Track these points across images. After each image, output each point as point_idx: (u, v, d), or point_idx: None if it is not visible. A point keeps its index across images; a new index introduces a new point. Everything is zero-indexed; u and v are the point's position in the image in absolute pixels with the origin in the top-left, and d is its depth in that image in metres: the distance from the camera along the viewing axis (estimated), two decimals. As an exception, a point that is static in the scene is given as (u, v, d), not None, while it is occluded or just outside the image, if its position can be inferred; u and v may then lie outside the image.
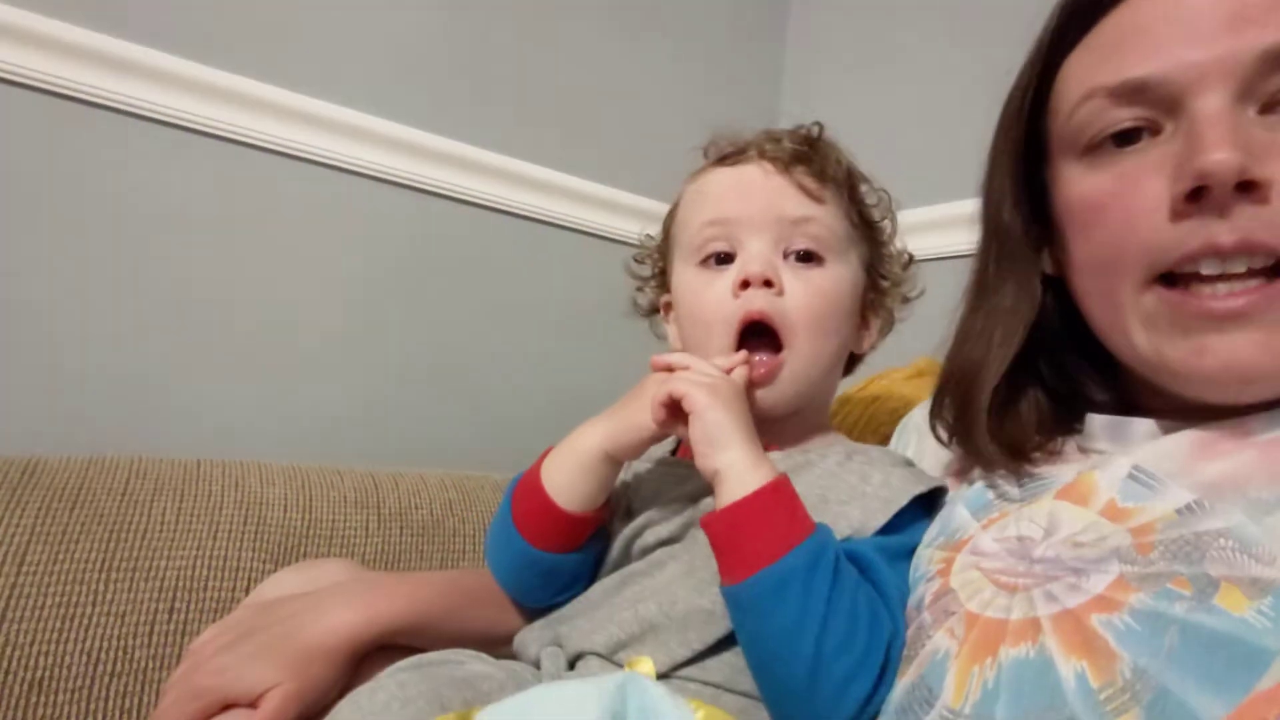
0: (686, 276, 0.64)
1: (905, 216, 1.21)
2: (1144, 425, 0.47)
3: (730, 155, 0.64)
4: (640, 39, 1.32)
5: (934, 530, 0.55)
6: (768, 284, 0.58)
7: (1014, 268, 0.53)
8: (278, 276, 0.99)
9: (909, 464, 0.61)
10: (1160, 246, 0.42)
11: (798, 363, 0.60)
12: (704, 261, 0.62)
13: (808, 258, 0.60)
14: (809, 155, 0.62)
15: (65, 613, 0.67)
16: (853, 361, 0.71)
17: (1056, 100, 0.50)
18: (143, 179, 0.90)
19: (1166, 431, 0.46)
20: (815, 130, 0.65)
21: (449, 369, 1.13)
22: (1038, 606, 0.41)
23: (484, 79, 1.15)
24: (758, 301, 0.58)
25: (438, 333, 1.12)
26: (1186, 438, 0.44)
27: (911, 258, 0.71)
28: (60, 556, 0.68)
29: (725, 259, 0.61)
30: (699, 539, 0.55)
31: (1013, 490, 0.51)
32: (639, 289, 0.74)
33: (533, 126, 1.19)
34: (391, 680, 0.51)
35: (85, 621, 0.67)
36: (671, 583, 0.56)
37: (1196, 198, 0.40)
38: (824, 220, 0.61)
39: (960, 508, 0.53)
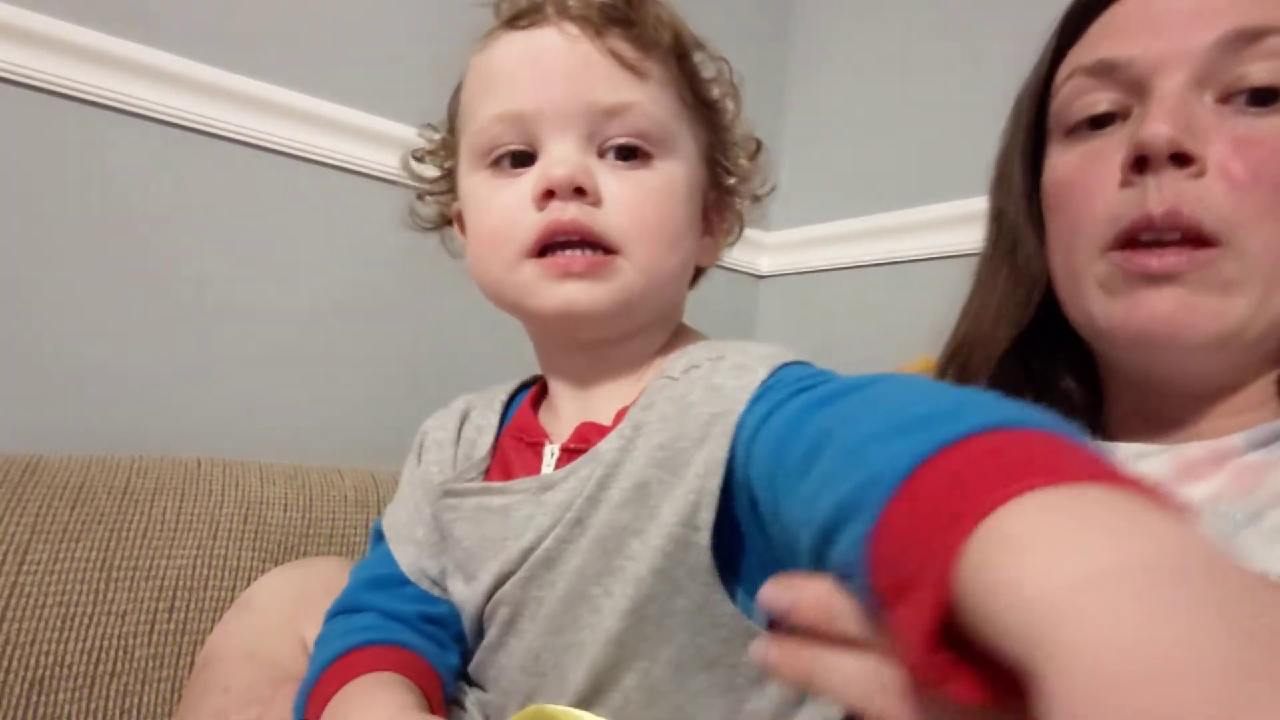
0: (474, 183, 0.50)
1: (907, 215, 1.22)
2: (1128, 449, 0.48)
3: (523, 14, 0.49)
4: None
5: None
6: (579, 192, 0.45)
7: (1012, 252, 0.55)
8: (278, 275, 0.99)
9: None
10: (1109, 216, 0.46)
11: (632, 272, 0.47)
12: (495, 163, 0.49)
13: (630, 154, 0.47)
14: (627, 14, 0.47)
15: (66, 612, 0.67)
16: (697, 275, 0.57)
17: (1055, 86, 0.53)
18: (143, 178, 0.90)
19: (1149, 455, 0.47)
20: None
21: (450, 368, 1.12)
22: None
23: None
24: (569, 212, 0.45)
25: (439, 332, 1.12)
26: (1168, 461, 0.45)
27: (759, 144, 0.57)
28: (61, 555, 0.68)
29: (523, 159, 0.48)
30: (549, 580, 0.45)
31: None
32: (419, 196, 0.59)
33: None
34: None
35: (86, 620, 0.67)
36: (529, 645, 0.47)
37: (1140, 168, 0.44)
38: (648, 105, 0.47)
39: None
